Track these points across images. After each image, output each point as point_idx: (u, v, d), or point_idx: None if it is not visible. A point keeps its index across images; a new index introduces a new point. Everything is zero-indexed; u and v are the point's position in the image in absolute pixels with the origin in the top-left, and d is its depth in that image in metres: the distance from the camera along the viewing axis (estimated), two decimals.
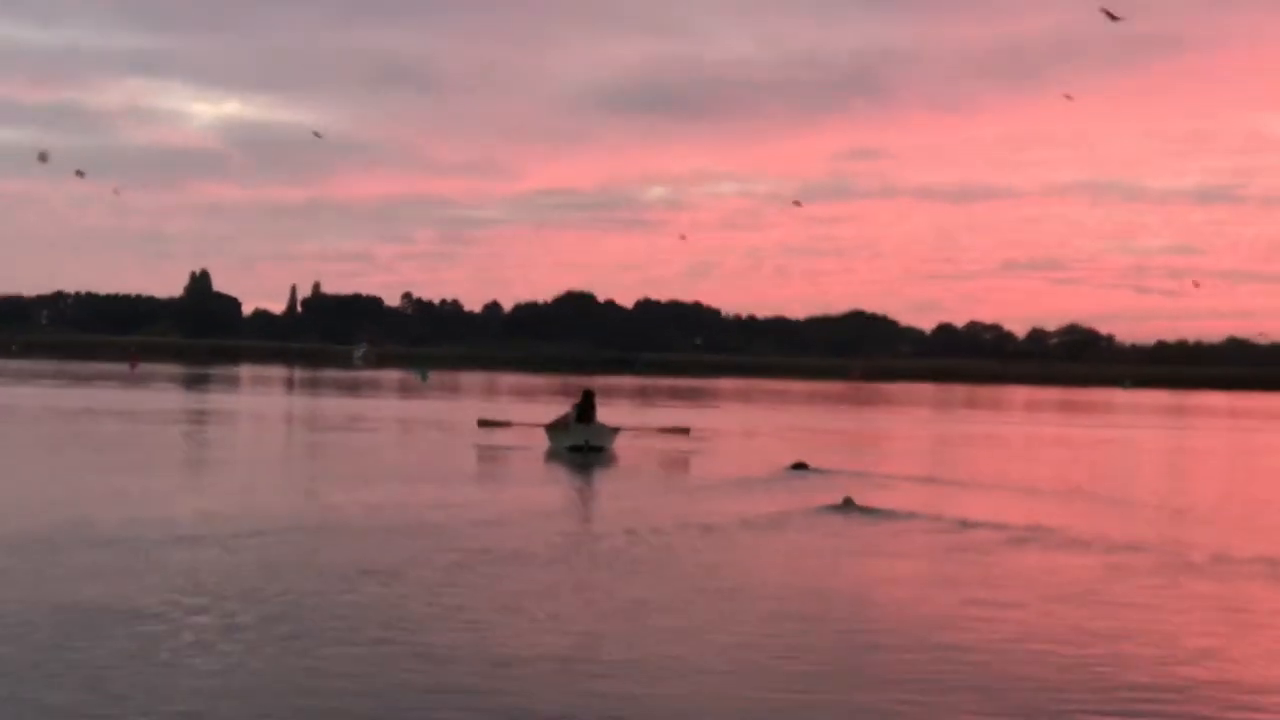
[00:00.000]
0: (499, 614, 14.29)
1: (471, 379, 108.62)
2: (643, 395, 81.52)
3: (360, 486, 26.17)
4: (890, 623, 14.63)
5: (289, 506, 23.14)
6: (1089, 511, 25.88)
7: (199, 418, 48.77)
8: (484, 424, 40.67)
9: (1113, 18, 41.21)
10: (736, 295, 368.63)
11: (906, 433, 53.64)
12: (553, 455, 35.47)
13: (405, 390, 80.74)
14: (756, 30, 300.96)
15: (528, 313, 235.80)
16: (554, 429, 37.64)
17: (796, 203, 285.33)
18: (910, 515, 23.83)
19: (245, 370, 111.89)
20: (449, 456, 35.44)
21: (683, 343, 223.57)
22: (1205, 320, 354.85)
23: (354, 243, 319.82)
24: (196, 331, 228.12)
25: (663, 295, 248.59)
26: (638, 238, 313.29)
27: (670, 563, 18.44)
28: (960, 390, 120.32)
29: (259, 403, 62.32)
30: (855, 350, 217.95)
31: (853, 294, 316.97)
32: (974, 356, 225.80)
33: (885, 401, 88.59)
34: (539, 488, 28.29)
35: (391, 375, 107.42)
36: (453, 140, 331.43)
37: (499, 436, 39.32)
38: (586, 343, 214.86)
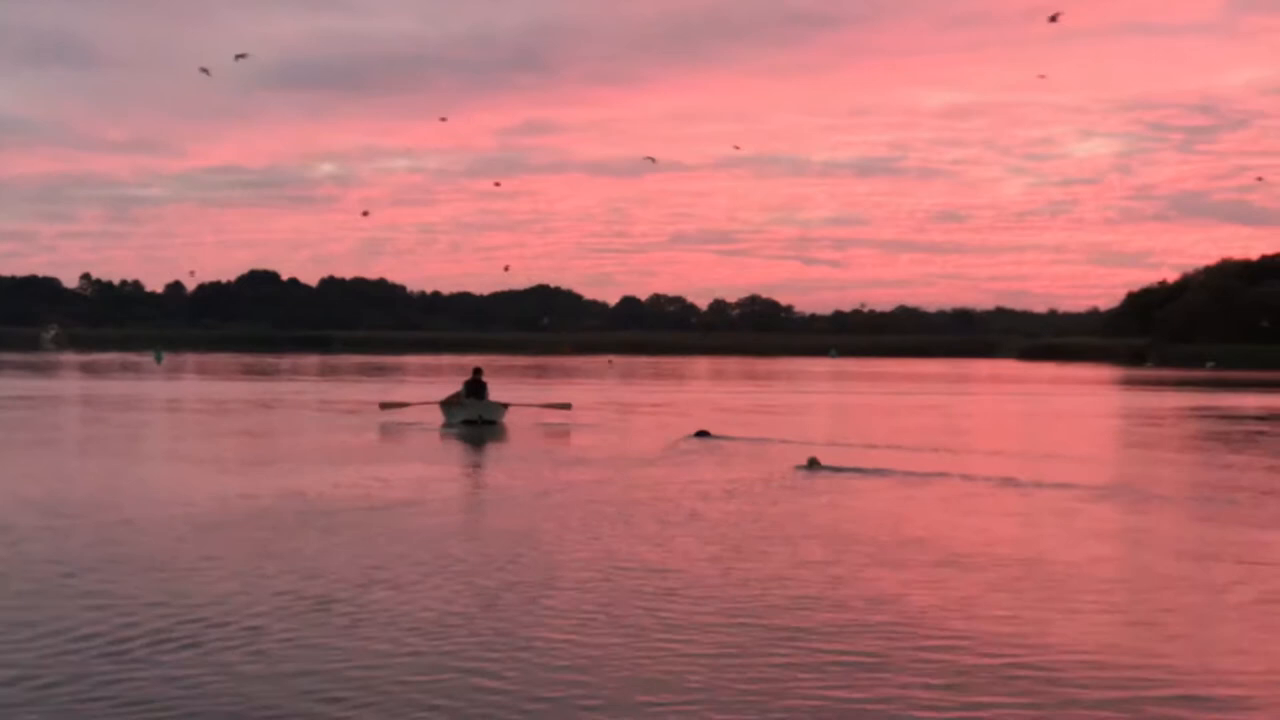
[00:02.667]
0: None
1: (205, 360, 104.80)
2: (357, 372, 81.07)
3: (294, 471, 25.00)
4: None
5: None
6: (1021, 462, 27.65)
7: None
8: (386, 406, 40.90)
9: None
10: (412, 272, 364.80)
11: (727, 403, 53.98)
12: (447, 429, 36.20)
13: (151, 372, 77.27)
14: (422, 6, 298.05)
15: (211, 292, 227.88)
16: (448, 405, 38.72)
17: (497, 183, 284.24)
18: (877, 472, 25.04)
19: None
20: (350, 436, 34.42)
21: (372, 320, 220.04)
22: (867, 290, 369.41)
23: (13, 223, 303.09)
24: None
25: (336, 272, 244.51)
26: (308, 215, 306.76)
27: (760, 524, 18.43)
28: (678, 362, 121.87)
29: None
30: (540, 324, 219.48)
31: (527, 269, 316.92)
32: (660, 329, 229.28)
33: (621, 375, 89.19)
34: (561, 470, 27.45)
35: (109, 358, 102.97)
36: (115, 118, 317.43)
37: (401, 415, 39.33)
38: (273, 322, 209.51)
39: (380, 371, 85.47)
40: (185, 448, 30.24)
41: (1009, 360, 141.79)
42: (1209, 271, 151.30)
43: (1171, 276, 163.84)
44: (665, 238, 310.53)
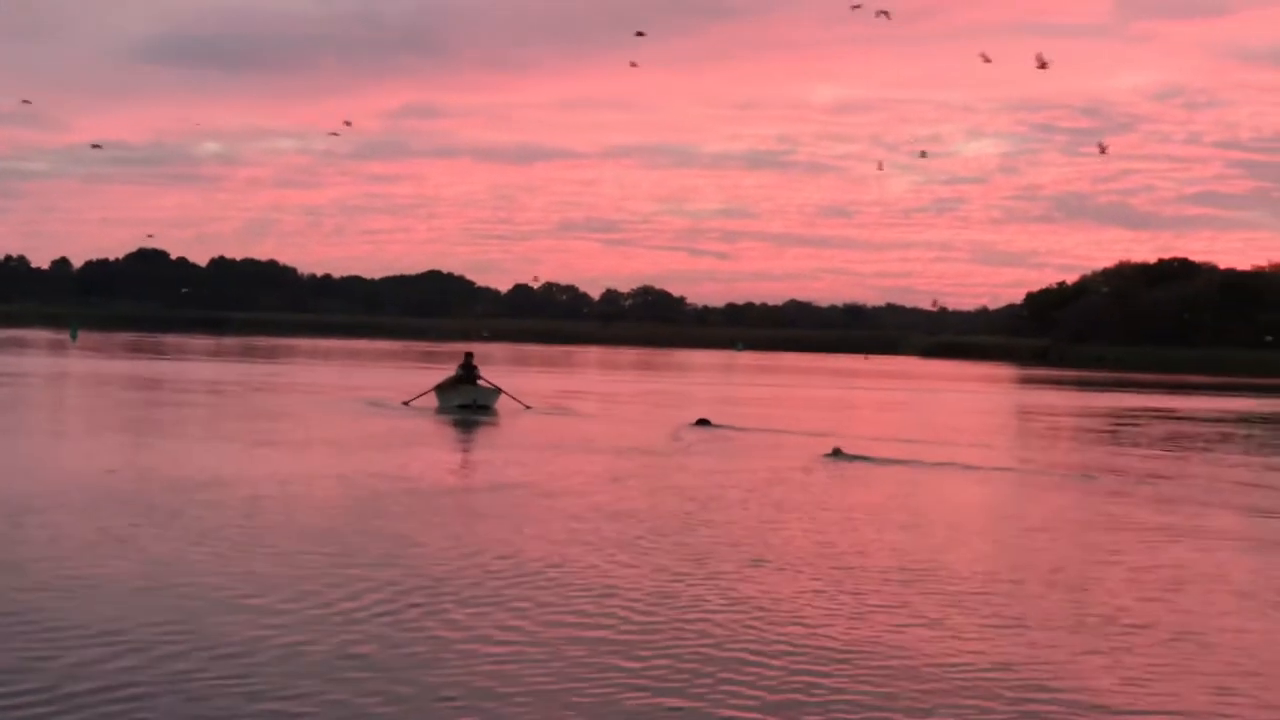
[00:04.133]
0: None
1: (118, 339, 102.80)
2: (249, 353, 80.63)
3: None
4: None
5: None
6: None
7: None
8: (406, 404, 39.28)
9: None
10: (297, 254, 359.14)
11: (703, 395, 54.23)
12: (442, 412, 36.82)
13: (71, 350, 75.67)
14: None
15: (99, 270, 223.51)
16: (443, 390, 39.16)
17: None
18: (895, 461, 26.30)
19: None
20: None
21: (264, 301, 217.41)
22: (754, 283, 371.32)
23: None
24: None
25: (223, 252, 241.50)
26: (192, 193, 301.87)
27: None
28: (588, 351, 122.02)
29: None
30: (433, 310, 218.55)
31: (411, 253, 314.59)
32: (553, 317, 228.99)
33: (524, 362, 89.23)
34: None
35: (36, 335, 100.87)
36: None
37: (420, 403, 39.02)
38: (163, 302, 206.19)
39: (328, 355, 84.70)
40: (261, 430, 29.81)
41: (913, 357, 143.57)
42: (1107, 274, 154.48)
43: (1055, 277, 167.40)
44: (552, 226, 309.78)
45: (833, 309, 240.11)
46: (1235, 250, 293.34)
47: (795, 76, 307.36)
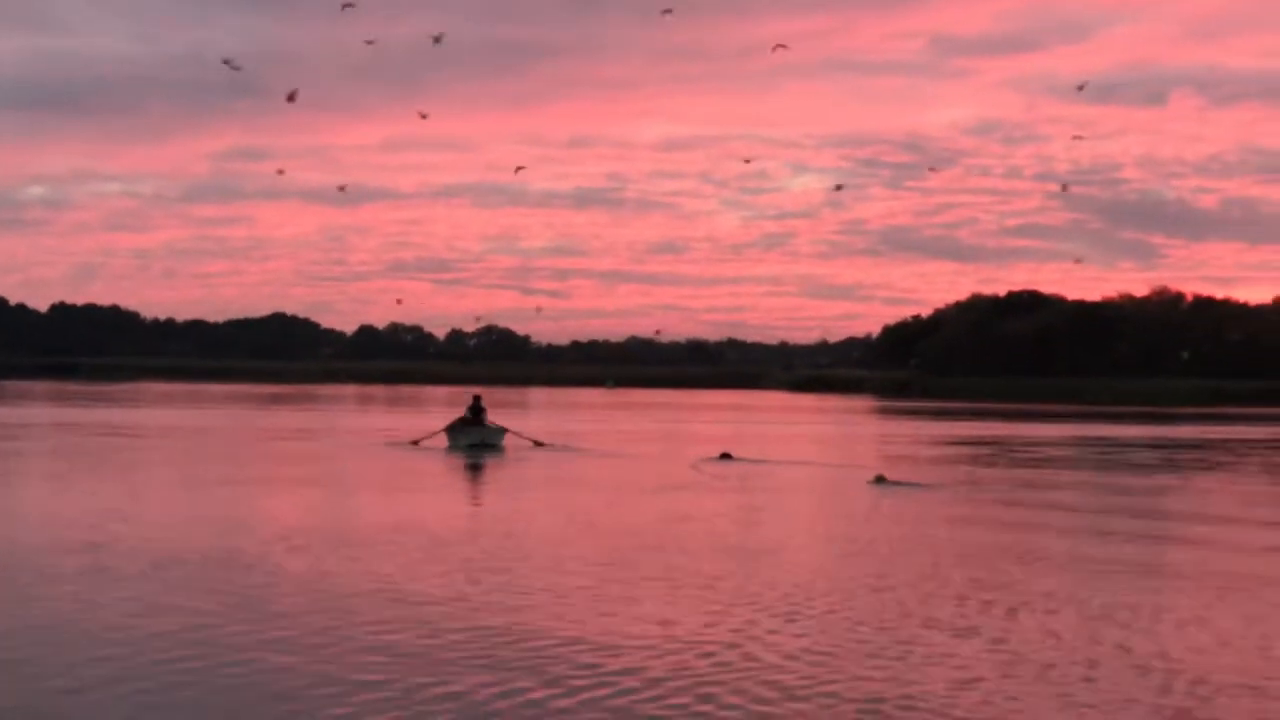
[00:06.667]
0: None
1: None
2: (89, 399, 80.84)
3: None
4: None
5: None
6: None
7: None
8: (415, 443, 41.44)
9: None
10: (128, 297, 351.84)
11: (671, 431, 56.21)
12: (453, 450, 39.16)
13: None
14: (136, 27, 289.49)
15: None
16: (453, 430, 41.49)
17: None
18: (934, 486, 29.28)
19: None
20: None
21: (111, 346, 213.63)
22: (586, 320, 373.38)
23: None
24: None
25: (52, 297, 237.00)
26: (17, 238, 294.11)
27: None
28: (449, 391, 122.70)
29: None
30: (279, 353, 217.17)
31: (245, 296, 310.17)
32: (399, 358, 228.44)
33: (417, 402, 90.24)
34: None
35: None
36: None
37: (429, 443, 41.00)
38: (3, 348, 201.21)
39: (219, 400, 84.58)
40: (297, 474, 31.07)
41: (781, 391, 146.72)
42: (960, 307, 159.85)
43: (882, 309, 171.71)
44: (383, 266, 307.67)
45: (675, 345, 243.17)
46: (1055, 281, 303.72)
47: (623, 115, 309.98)
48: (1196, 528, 22.75)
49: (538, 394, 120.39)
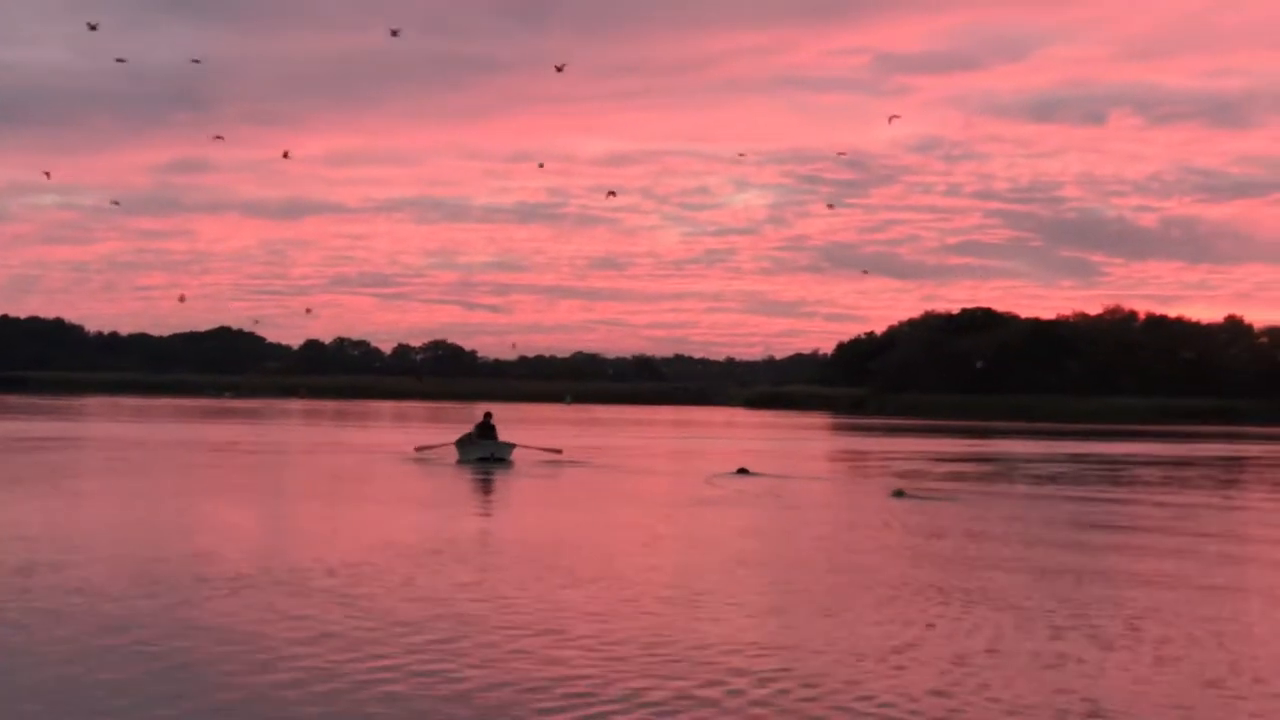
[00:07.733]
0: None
1: None
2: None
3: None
4: None
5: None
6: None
7: None
8: (420, 449, 44.04)
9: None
10: (67, 310, 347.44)
11: (670, 447, 56.71)
12: (463, 463, 39.90)
13: None
14: (74, 38, 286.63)
15: None
16: (463, 444, 42.43)
17: (115, 202, 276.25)
18: (950, 498, 30.64)
19: None
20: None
21: (55, 359, 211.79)
22: (528, 335, 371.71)
23: None
24: None
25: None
26: None
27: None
28: (404, 406, 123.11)
29: None
30: (225, 367, 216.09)
31: (186, 308, 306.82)
32: (346, 372, 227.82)
33: (368, 417, 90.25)
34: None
35: None
36: None
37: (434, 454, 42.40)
38: None
39: (223, 413, 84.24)
40: (355, 491, 31.33)
41: (738, 408, 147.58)
42: (914, 324, 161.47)
43: (825, 326, 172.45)
44: (325, 280, 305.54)
45: (621, 361, 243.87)
46: (995, 298, 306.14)
47: (564, 129, 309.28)
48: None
49: (496, 410, 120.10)
